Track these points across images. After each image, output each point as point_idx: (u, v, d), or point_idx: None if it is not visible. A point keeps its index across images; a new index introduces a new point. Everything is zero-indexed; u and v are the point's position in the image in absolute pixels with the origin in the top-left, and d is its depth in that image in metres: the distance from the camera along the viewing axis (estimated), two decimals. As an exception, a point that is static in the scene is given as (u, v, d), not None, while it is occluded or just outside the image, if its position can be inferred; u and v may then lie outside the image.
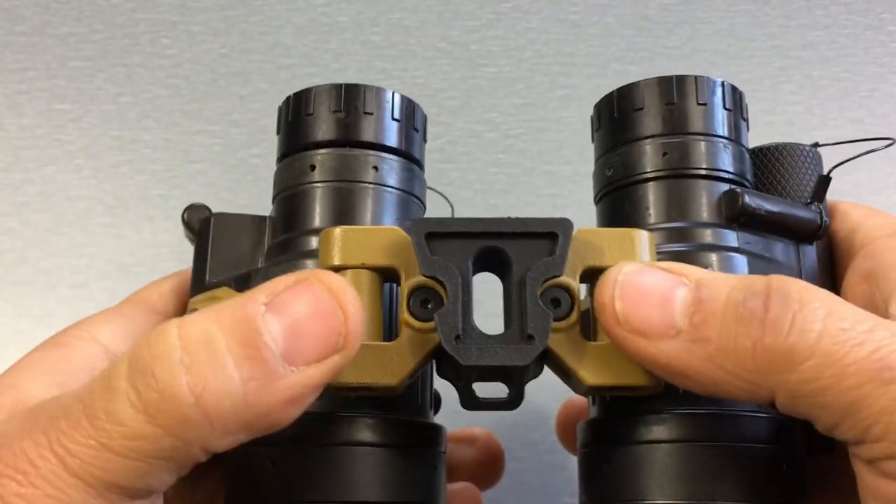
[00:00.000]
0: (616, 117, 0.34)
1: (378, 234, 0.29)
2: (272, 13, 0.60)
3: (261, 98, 0.58)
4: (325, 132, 0.34)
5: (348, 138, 0.33)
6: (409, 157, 0.35)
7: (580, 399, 0.41)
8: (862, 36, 0.60)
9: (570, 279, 0.29)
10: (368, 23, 0.60)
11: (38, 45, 0.58)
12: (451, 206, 0.43)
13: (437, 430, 0.32)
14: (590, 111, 0.36)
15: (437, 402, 0.36)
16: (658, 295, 0.26)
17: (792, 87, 0.59)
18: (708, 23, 0.60)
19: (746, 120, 0.35)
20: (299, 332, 0.24)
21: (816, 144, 0.35)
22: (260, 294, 0.25)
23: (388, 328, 0.30)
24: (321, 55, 0.59)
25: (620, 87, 0.34)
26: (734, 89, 0.34)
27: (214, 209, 0.35)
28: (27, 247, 0.54)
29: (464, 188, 0.56)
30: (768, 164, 0.35)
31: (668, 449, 0.29)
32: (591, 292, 0.30)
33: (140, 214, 0.55)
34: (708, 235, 0.32)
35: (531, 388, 0.30)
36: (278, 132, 0.36)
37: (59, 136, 0.56)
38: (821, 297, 0.25)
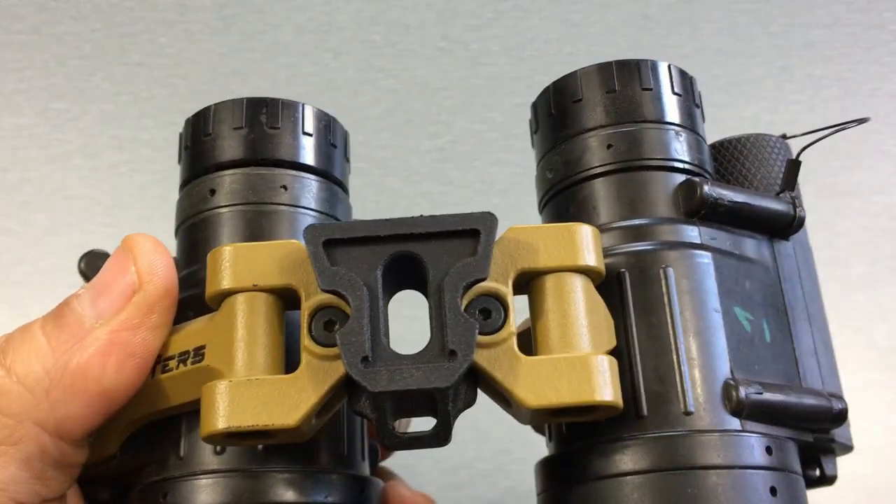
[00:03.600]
0: (554, 113, 0.31)
1: (272, 249, 0.25)
2: (271, 12, 0.60)
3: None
4: (225, 152, 0.29)
5: (252, 157, 0.29)
6: (327, 175, 0.30)
7: None
8: (864, 35, 0.60)
9: (501, 285, 0.25)
10: (368, 22, 0.60)
11: (35, 45, 0.58)
12: None
13: (367, 483, 0.28)
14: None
15: (373, 453, 0.31)
16: None
17: (794, 86, 0.59)
18: (709, 21, 0.60)
19: (700, 107, 0.31)
20: (102, 291, 0.26)
21: (784, 136, 0.33)
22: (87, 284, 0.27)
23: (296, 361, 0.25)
24: (320, 54, 0.59)
25: (556, 80, 0.31)
26: (683, 73, 0.31)
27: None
28: (26, 247, 0.54)
29: (464, 188, 0.56)
30: (732, 158, 0.32)
31: (637, 482, 0.25)
32: (530, 304, 0.26)
33: (139, 214, 0.55)
34: (666, 232, 0.28)
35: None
36: (179, 161, 0.32)
37: (58, 136, 0.56)
38: None
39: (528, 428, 0.42)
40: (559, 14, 0.60)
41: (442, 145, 0.57)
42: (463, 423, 0.43)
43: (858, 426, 0.50)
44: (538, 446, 0.30)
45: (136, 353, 0.25)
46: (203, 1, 0.59)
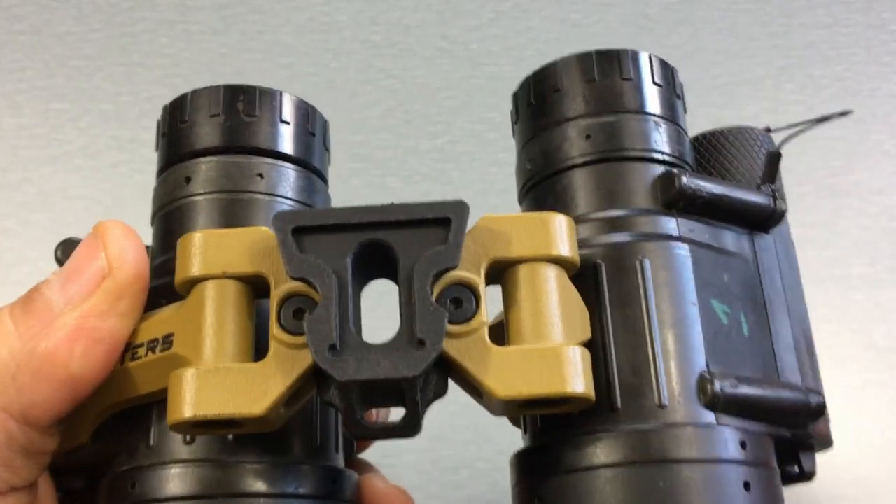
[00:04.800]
0: (533, 103, 0.30)
1: (242, 235, 0.25)
2: (271, 12, 0.60)
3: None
4: (201, 139, 0.29)
5: (229, 144, 0.29)
6: (306, 164, 0.30)
7: None
8: (863, 35, 0.60)
9: (473, 275, 0.25)
10: (368, 22, 0.60)
11: (36, 45, 0.58)
12: None
13: (340, 475, 0.28)
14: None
15: (348, 444, 0.31)
16: None
17: (793, 86, 0.59)
18: (709, 22, 0.60)
19: (681, 98, 0.31)
20: (72, 276, 0.26)
21: (768, 129, 0.32)
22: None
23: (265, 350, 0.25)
24: (320, 54, 0.59)
25: (536, 70, 0.30)
26: (664, 64, 0.30)
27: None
28: (26, 247, 0.54)
29: (464, 188, 0.56)
30: (714, 150, 0.31)
31: (609, 475, 0.24)
32: (503, 294, 0.26)
33: (139, 214, 0.55)
34: (643, 223, 0.28)
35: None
36: (156, 148, 0.32)
37: (58, 136, 0.56)
38: None
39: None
40: (559, 14, 0.60)
41: (442, 145, 0.57)
42: (463, 423, 0.43)
43: (858, 426, 0.50)
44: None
45: (105, 339, 0.25)
46: (203, 1, 0.59)
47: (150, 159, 0.57)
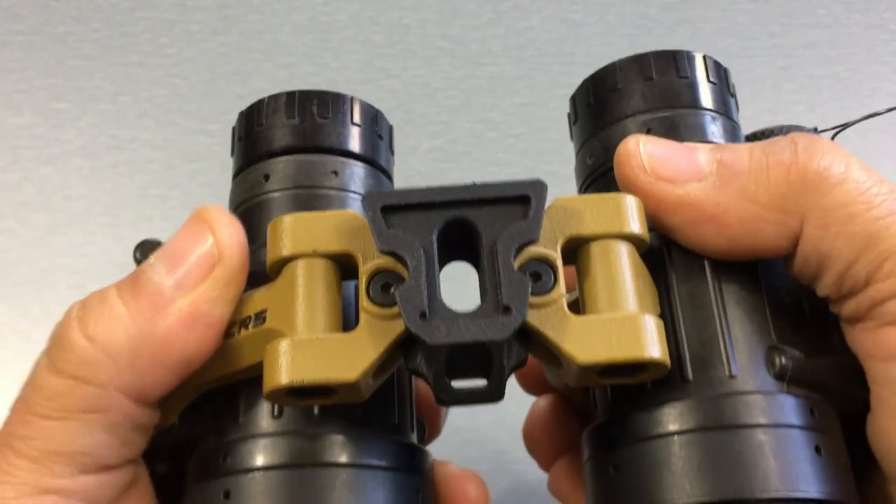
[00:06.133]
0: (593, 103, 0.32)
1: (331, 217, 0.27)
2: (271, 12, 0.60)
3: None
4: (278, 140, 0.31)
5: (304, 144, 0.31)
6: (374, 163, 0.32)
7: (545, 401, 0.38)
8: (864, 35, 0.60)
9: (551, 250, 0.26)
10: (368, 22, 0.60)
11: (36, 45, 0.58)
12: None
13: (418, 451, 0.29)
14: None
15: (420, 428, 0.32)
16: (683, 150, 0.27)
17: (794, 86, 0.59)
18: (709, 21, 0.60)
19: (734, 96, 0.32)
20: (179, 261, 0.26)
21: (816, 130, 0.33)
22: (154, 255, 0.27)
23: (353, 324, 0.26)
24: (320, 54, 0.59)
25: (594, 72, 0.32)
26: (717, 64, 0.32)
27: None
28: (25, 247, 0.54)
29: (464, 188, 0.56)
30: None
31: (684, 440, 0.25)
32: (577, 270, 0.27)
33: (138, 214, 0.55)
34: None
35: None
36: (232, 153, 0.33)
37: (58, 136, 0.56)
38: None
39: (529, 428, 0.42)
40: (559, 14, 0.60)
41: (442, 145, 0.57)
42: (464, 424, 0.42)
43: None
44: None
45: (215, 325, 0.26)
46: (203, 1, 0.59)
47: (149, 159, 0.57)
